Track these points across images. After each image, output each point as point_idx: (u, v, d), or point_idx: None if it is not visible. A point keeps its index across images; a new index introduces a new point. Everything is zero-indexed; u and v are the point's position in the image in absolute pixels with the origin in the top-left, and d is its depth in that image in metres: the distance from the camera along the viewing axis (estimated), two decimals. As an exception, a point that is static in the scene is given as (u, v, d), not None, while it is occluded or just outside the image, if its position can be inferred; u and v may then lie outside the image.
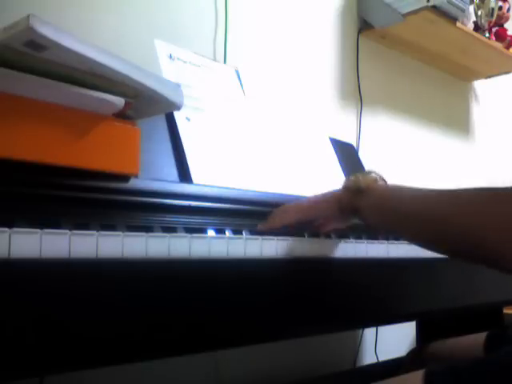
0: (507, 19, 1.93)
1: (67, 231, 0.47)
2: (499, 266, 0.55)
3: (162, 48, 0.93)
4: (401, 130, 1.81)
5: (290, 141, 1.07)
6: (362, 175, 0.70)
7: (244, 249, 0.60)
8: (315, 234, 0.75)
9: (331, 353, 1.48)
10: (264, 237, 0.62)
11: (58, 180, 0.61)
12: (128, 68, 0.62)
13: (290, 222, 0.73)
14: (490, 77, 2.08)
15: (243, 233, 0.69)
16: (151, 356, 0.56)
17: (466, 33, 1.68)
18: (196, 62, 0.99)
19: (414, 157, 1.84)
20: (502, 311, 1.30)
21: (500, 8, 1.87)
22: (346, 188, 0.71)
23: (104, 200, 0.65)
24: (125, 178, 0.68)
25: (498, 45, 1.85)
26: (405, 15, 1.55)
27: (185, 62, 0.96)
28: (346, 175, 1.13)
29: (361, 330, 1.56)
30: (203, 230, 0.66)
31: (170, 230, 0.61)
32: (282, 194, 0.91)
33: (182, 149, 0.85)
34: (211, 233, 0.66)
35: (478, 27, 1.81)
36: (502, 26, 1.92)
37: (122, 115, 0.68)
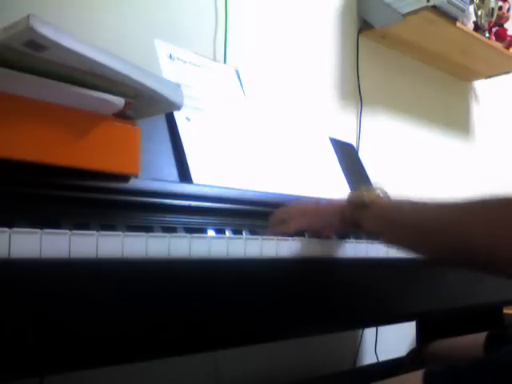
0: (507, 19, 1.93)
1: (67, 231, 0.47)
2: (500, 271, 0.55)
3: (161, 48, 0.93)
4: (401, 130, 1.80)
5: (290, 141, 1.07)
6: (367, 190, 0.71)
7: (244, 249, 0.59)
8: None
9: (331, 353, 1.48)
10: (264, 237, 0.62)
11: (58, 180, 0.61)
12: (128, 68, 0.62)
13: (295, 229, 0.72)
14: (490, 77, 2.08)
15: (243, 233, 0.69)
16: (151, 356, 0.56)
17: (466, 33, 1.68)
18: (196, 62, 0.99)
19: (414, 157, 1.84)
20: (501, 311, 1.30)
21: (500, 8, 1.86)
22: (350, 202, 0.72)
23: (104, 200, 0.65)
24: (125, 178, 0.68)
25: (498, 45, 1.85)
26: (405, 15, 1.55)
27: (185, 61, 0.96)
28: (345, 175, 1.14)
29: (361, 330, 1.56)
30: (203, 230, 0.66)
31: (169, 230, 0.61)
32: (281, 194, 0.91)
33: (182, 149, 0.85)
34: (211, 233, 0.66)
35: (477, 27, 1.80)
36: (502, 26, 1.91)
37: (121, 115, 0.68)
